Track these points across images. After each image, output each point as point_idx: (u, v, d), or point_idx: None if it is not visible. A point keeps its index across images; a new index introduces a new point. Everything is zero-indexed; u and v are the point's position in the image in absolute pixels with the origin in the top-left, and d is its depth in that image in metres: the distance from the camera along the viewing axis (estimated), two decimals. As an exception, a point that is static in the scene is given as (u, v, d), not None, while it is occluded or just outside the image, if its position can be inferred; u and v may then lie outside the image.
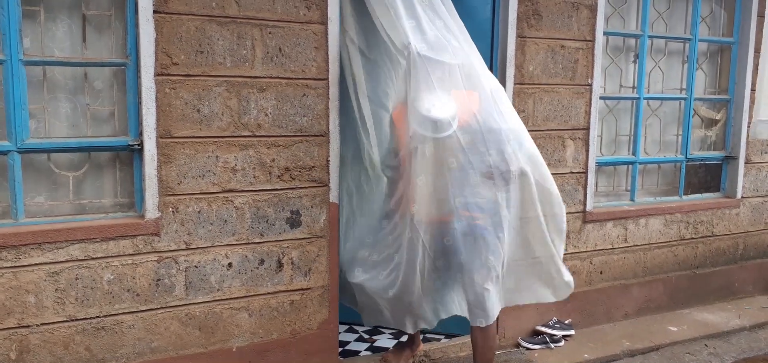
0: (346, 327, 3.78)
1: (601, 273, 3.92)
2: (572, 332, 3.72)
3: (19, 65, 2.44)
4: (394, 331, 3.72)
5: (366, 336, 3.71)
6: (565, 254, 3.71)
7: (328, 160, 3.00)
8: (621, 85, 4.03)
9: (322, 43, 2.90)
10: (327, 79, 2.93)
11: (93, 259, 2.60)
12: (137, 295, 2.70)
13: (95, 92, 2.68)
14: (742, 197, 4.43)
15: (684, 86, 4.23)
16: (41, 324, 2.55)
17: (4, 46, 2.42)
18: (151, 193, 2.66)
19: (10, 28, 2.41)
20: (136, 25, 2.58)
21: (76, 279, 2.58)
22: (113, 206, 2.74)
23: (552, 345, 3.58)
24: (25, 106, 2.48)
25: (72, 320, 2.60)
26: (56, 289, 2.55)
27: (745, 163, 4.40)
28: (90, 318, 2.63)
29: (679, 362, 3.60)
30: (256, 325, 2.95)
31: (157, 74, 2.61)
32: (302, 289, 3.04)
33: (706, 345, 3.84)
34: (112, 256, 2.63)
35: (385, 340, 3.63)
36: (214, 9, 2.67)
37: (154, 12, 2.56)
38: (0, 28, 2.41)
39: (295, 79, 2.87)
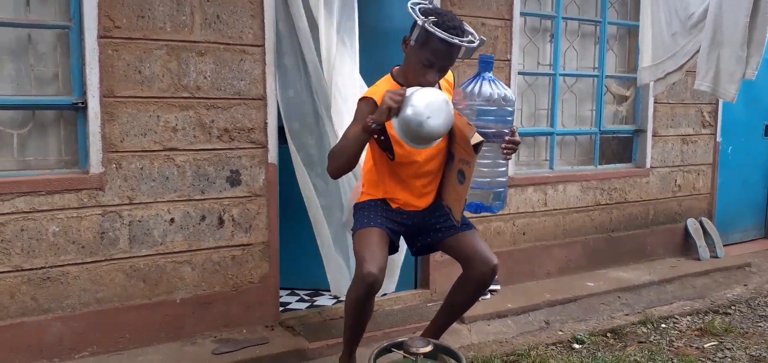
0: (288, 291, 3.97)
1: (524, 234, 4.26)
2: (498, 287, 4.04)
3: (-36, 24, 2.57)
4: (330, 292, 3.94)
5: (306, 298, 3.91)
6: (490, 216, 4.06)
7: (266, 123, 3.21)
8: (538, 63, 4.40)
9: (258, 11, 3.12)
10: (263, 45, 3.15)
11: (38, 211, 2.73)
12: (82, 247, 2.84)
13: (39, 55, 2.82)
14: (651, 167, 4.88)
15: (596, 65, 4.64)
16: (-13, 274, 2.66)
17: (-51, 7, 2.54)
18: (95, 149, 2.81)
19: (-45, -12, 2.54)
20: (79, -10, 2.74)
21: (22, 230, 2.71)
22: (57, 163, 2.87)
23: (480, 298, 3.87)
24: (-30, 64, 2.60)
25: (18, 270, 2.72)
26: (2, 240, 2.67)
27: (653, 136, 4.85)
28: (36, 268, 2.75)
29: (594, 310, 3.96)
30: (198, 278, 3.12)
31: (100, 36, 2.77)
32: (243, 245, 3.23)
33: (619, 296, 4.23)
34: (57, 209, 2.76)
35: (324, 300, 3.85)
36: (155, -23, 2.86)
37: (97, -22, 2.74)
38: (-56, -11, 2.53)
39: (233, 44, 3.08)
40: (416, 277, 3.95)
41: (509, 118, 2.43)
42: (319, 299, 3.89)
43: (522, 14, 4.10)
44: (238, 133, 3.15)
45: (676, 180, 5.04)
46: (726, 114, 5.26)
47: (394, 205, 2.61)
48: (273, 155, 3.25)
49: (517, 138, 2.44)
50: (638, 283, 4.43)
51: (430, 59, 2.33)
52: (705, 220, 5.21)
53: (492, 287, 4.00)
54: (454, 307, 2.70)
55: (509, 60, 4.02)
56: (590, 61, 4.66)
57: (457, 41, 2.27)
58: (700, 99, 5.07)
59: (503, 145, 2.43)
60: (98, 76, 2.78)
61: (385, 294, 3.84)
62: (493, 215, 4.07)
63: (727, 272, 4.87)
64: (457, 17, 2.37)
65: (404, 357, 2.18)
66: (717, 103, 5.19)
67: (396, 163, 2.53)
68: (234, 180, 3.16)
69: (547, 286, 4.24)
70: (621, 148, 4.88)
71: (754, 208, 5.82)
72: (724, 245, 5.23)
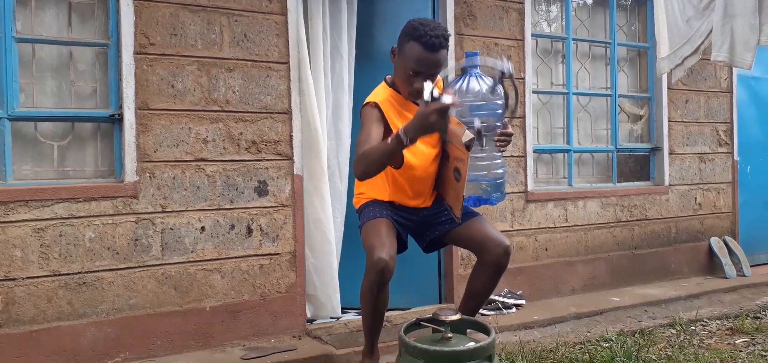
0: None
1: (546, 250, 4.28)
2: (523, 302, 4.03)
3: (12, 41, 2.77)
4: (358, 309, 3.95)
5: (331, 316, 3.93)
6: (511, 231, 4.10)
7: (291, 136, 3.34)
8: (552, 83, 4.53)
9: (282, 31, 3.30)
10: (288, 62, 3.31)
11: (76, 217, 2.85)
12: (117, 253, 2.93)
13: (79, 72, 3.00)
14: (670, 185, 4.90)
15: (609, 86, 4.75)
16: (27, 277, 2.75)
17: (-1, 25, 2.75)
18: (130, 158, 2.95)
19: (5, 9, 2.75)
20: (118, 11, 2.94)
21: (60, 236, 2.82)
22: (94, 173, 3.01)
23: (504, 311, 3.88)
24: (17, 78, 2.79)
25: (55, 275, 2.81)
26: (41, 245, 2.78)
27: (669, 153, 4.90)
28: (72, 273, 2.84)
29: (621, 323, 3.92)
30: (227, 287, 3.19)
31: (136, 53, 2.96)
32: (271, 254, 3.30)
33: (645, 310, 4.18)
34: (93, 216, 2.88)
35: (350, 316, 3.86)
36: (187, -2, 3.07)
37: (134, -1, 2.95)
38: (-4, 11, 2.74)
39: (259, 61, 3.25)
40: (440, 292, 3.97)
41: (499, 111, 2.51)
42: (343, 317, 3.90)
43: (533, 35, 4.25)
44: (265, 145, 3.27)
45: (696, 198, 5.05)
46: (742, 133, 5.30)
47: (397, 204, 2.67)
48: (298, 167, 3.36)
49: (510, 129, 2.51)
50: (665, 298, 4.39)
51: (416, 69, 2.42)
52: (729, 238, 5.17)
53: (516, 302, 3.99)
54: (475, 295, 2.71)
55: (523, 78, 4.15)
56: (602, 82, 4.78)
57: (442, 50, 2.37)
58: (714, 118, 5.14)
59: (496, 139, 2.49)
60: (134, 90, 2.95)
61: (406, 308, 3.87)
62: (513, 229, 4.11)
63: (757, 289, 4.80)
64: (440, 25, 2.46)
65: (433, 331, 2.21)
66: (732, 122, 5.25)
67: (396, 170, 2.58)
68: (261, 190, 3.27)
69: (572, 302, 4.22)
70: (638, 166, 4.92)
71: (779, 228, 5.76)
72: (750, 266, 5.16)
